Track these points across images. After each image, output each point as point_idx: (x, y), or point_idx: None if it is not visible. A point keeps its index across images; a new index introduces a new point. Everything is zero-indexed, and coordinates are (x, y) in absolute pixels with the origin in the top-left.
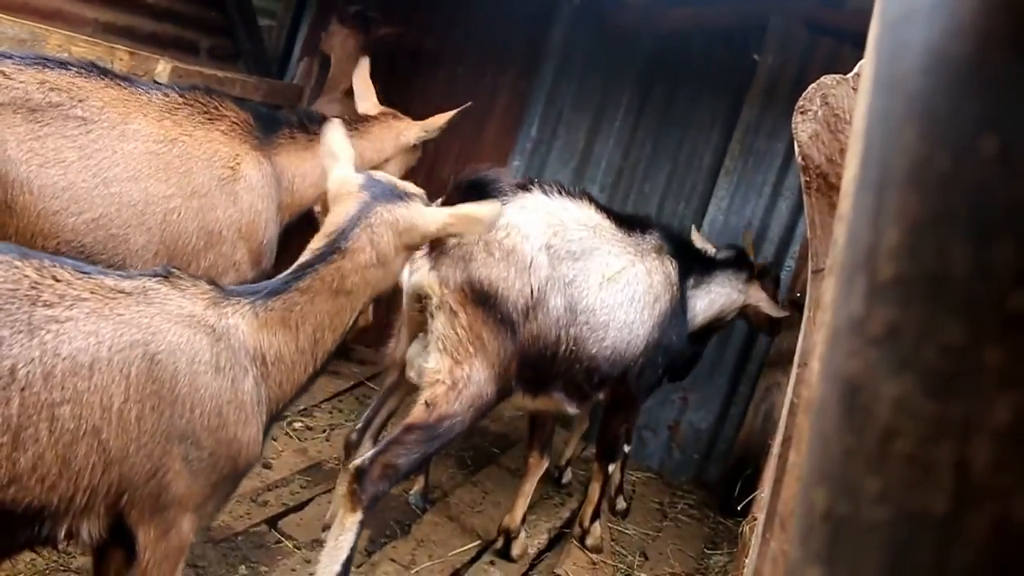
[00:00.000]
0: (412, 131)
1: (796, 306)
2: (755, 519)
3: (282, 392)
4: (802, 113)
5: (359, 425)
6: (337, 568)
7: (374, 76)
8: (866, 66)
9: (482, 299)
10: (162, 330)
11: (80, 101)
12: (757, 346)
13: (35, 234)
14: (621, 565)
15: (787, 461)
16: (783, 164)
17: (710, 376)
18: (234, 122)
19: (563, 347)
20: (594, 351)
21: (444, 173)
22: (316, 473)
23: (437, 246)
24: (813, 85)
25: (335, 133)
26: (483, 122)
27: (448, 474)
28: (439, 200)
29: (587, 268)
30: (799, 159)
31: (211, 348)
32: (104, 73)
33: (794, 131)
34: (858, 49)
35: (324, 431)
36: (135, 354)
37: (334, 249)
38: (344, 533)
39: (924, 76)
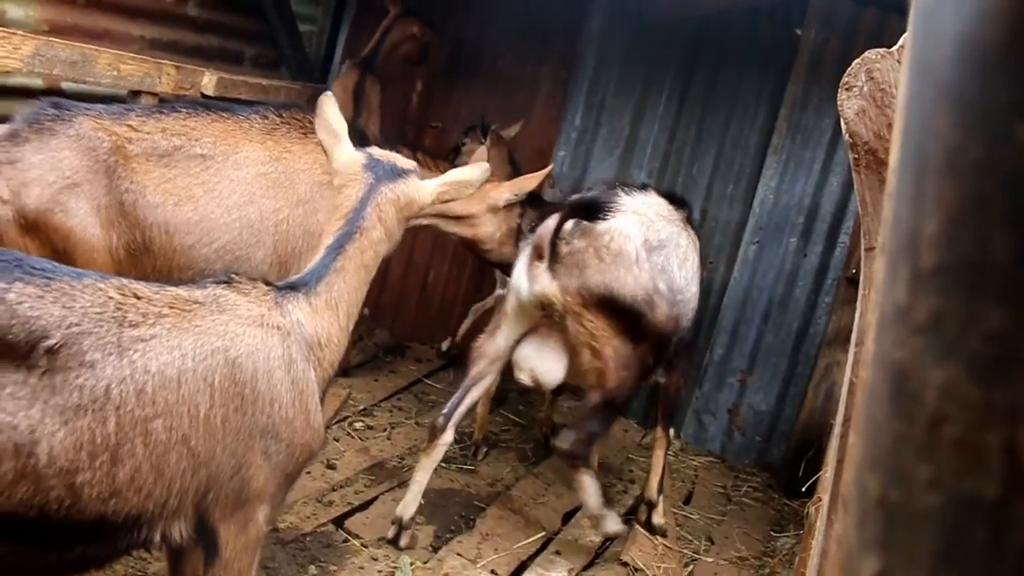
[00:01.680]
0: (500, 192)
1: (852, 283)
2: (820, 500)
3: (331, 371)
4: (847, 89)
5: (445, 411)
6: (598, 500)
7: (416, 74)
8: (905, 48)
9: (602, 301)
10: (238, 334)
11: (197, 140)
12: (814, 325)
13: (172, 269)
14: (687, 550)
15: (848, 442)
16: (832, 139)
17: (768, 357)
18: None
19: (674, 325)
20: (685, 324)
21: None
22: (379, 472)
23: (555, 257)
24: (857, 60)
25: (330, 107)
26: (526, 113)
27: (510, 467)
28: (556, 216)
29: (669, 254)
30: (846, 136)
31: (282, 344)
32: (207, 108)
33: (840, 108)
34: (904, 17)
35: (385, 430)
36: (217, 361)
37: (355, 228)
38: (587, 486)
39: (955, 63)
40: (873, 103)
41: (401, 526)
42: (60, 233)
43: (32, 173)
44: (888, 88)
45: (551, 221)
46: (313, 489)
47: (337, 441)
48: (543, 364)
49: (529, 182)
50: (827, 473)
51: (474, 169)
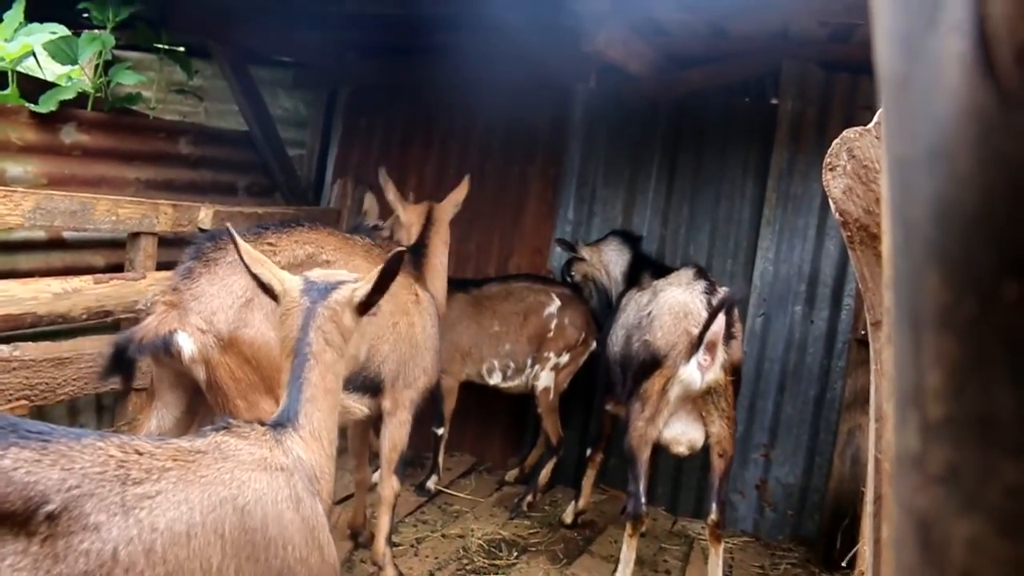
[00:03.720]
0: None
1: (862, 344)
2: (862, 574)
3: (329, 503)
4: (831, 169)
5: (641, 501)
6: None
7: (407, 185)
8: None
9: (737, 370)
10: (244, 481)
11: (323, 248)
12: (830, 391)
13: None
14: None
15: (881, 522)
16: (822, 205)
17: (789, 429)
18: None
19: None
20: None
21: (489, 267)
22: None
23: (710, 351)
24: (837, 140)
25: (246, 250)
26: (519, 212)
27: (542, 571)
28: (721, 318)
29: None
30: (836, 215)
31: (288, 484)
32: (322, 224)
33: (826, 188)
34: (875, 80)
35: (412, 545)
36: (225, 511)
37: (304, 356)
38: (719, 558)
39: (935, 222)
40: (859, 180)
41: None
42: (247, 343)
43: (215, 302)
44: (871, 164)
45: (720, 323)
46: None
47: (364, 563)
48: (695, 435)
49: (460, 194)
50: (865, 548)
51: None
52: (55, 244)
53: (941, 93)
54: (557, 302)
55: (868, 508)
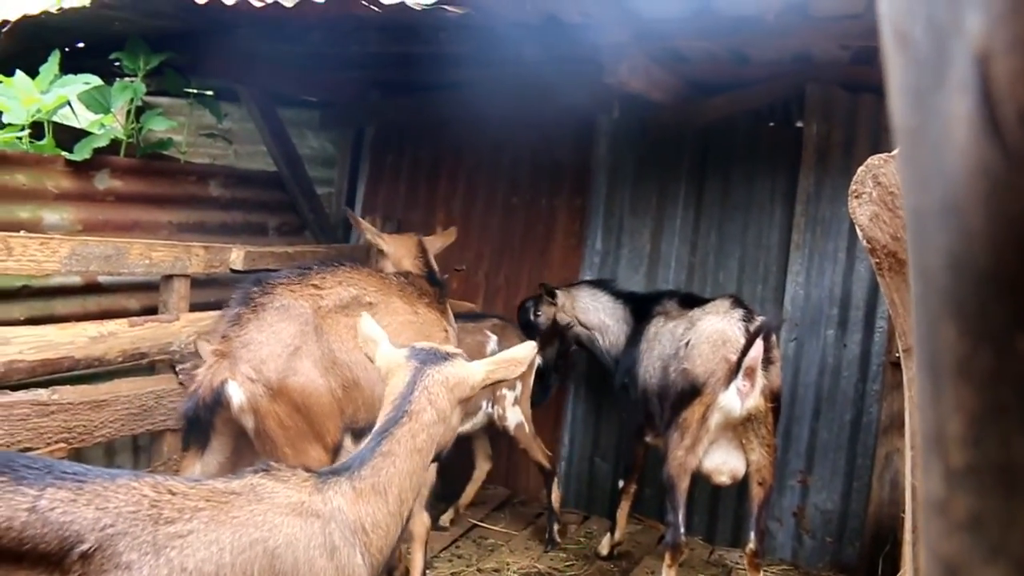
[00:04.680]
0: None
1: (897, 367)
2: None
3: (381, 557)
4: (857, 197)
5: (680, 532)
6: None
7: (435, 220)
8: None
9: (778, 397)
10: (276, 524)
11: (365, 289)
12: (867, 415)
13: (375, 400)
14: None
15: (919, 550)
16: (851, 227)
17: (825, 454)
18: (431, 296)
19: None
20: None
21: (517, 299)
22: None
23: (749, 377)
24: (862, 167)
25: (367, 322)
26: (547, 245)
27: None
28: (759, 343)
29: None
30: (864, 242)
31: (323, 531)
32: (362, 263)
33: (853, 215)
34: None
35: None
36: (255, 553)
37: (402, 413)
38: None
39: (949, 274)
40: (885, 207)
41: None
42: (296, 391)
43: (264, 351)
44: (897, 191)
45: (758, 349)
46: None
47: None
48: (737, 463)
49: (448, 239)
50: None
51: (523, 348)
52: (91, 288)
53: (950, 149)
54: (494, 337)
55: (907, 536)
